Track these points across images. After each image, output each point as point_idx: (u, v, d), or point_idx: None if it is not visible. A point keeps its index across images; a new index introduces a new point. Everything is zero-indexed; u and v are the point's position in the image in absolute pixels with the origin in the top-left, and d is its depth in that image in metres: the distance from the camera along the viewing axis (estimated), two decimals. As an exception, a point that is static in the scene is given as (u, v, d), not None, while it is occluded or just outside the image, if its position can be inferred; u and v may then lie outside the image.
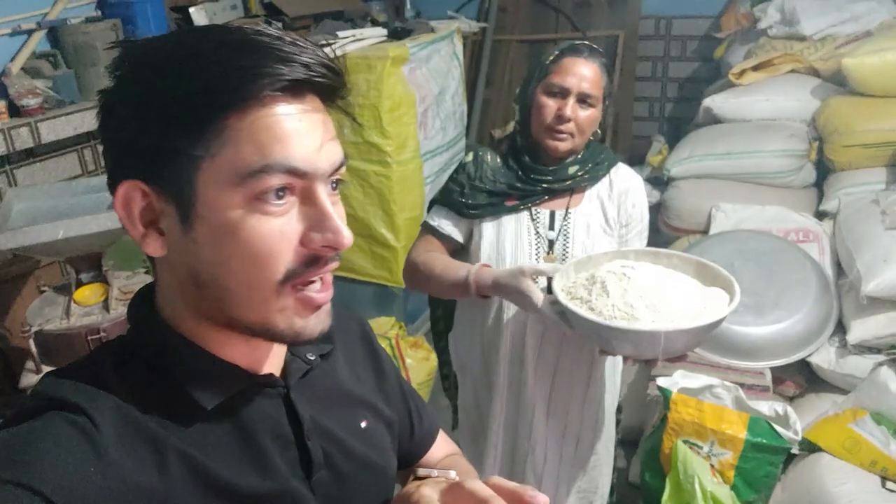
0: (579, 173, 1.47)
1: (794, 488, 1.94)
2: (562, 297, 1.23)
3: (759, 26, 3.14)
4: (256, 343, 0.62)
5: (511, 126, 1.56)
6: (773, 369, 2.20)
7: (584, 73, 1.39)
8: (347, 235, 0.57)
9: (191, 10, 2.75)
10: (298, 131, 0.54)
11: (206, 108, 0.52)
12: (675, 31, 3.86)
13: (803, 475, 1.94)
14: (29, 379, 1.75)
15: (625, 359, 1.36)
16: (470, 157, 1.52)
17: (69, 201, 1.90)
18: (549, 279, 1.33)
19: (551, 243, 1.48)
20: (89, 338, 1.71)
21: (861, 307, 2.16)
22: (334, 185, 0.59)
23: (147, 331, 0.62)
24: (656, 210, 2.96)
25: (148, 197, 0.55)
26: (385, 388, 0.80)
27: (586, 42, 1.45)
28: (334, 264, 0.60)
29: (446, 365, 1.73)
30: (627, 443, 2.36)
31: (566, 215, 1.48)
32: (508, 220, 1.49)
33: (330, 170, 0.57)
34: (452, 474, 0.66)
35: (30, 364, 1.76)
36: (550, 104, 1.40)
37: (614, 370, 1.62)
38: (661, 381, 1.99)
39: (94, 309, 1.80)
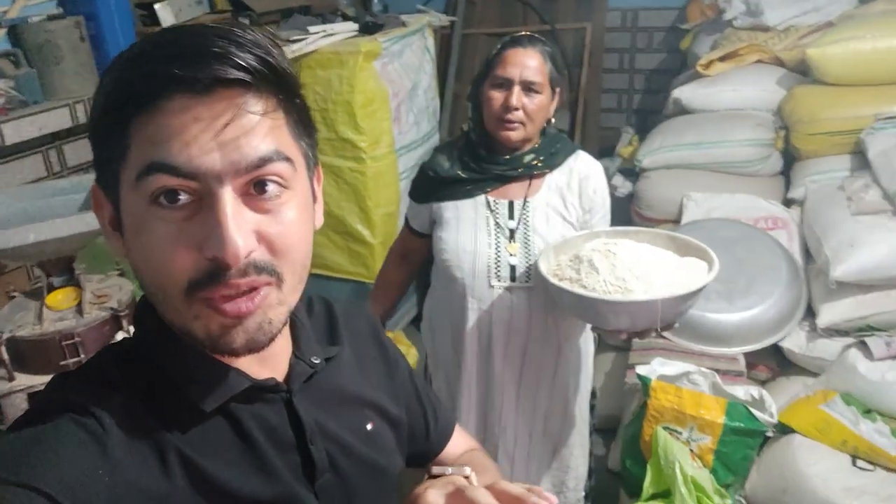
0: (533, 161, 1.51)
1: (769, 469, 1.99)
2: (552, 280, 1.26)
3: (724, 17, 3.18)
4: None
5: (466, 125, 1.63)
6: (745, 354, 2.25)
7: (525, 62, 1.44)
8: (233, 250, 0.51)
9: (156, 6, 2.70)
10: (188, 129, 0.51)
11: (116, 115, 0.54)
12: (641, 22, 3.90)
13: (777, 457, 1.99)
14: (1, 387, 1.70)
15: (619, 334, 1.38)
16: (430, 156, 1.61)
17: (38, 204, 1.84)
18: (534, 263, 1.37)
19: (512, 232, 1.51)
20: (63, 343, 1.66)
21: (829, 291, 2.21)
22: (264, 187, 0.54)
23: (149, 333, 0.62)
24: (628, 201, 2.98)
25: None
26: (395, 387, 0.80)
27: (526, 33, 1.50)
28: (248, 279, 0.53)
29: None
30: (605, 431, 2.39)
31: (525, 204, 1.52)
32: (466, 211, 1.53)
33: (232, 170, 0.52)
34: (467, 470, 0.67)
35: (1, 371, 1.72)
36: (497, 96, 1.46)
37: (586, 352, 1.66)
38: (640, 370, 2.02)
39: (68, 314, 1.75)
